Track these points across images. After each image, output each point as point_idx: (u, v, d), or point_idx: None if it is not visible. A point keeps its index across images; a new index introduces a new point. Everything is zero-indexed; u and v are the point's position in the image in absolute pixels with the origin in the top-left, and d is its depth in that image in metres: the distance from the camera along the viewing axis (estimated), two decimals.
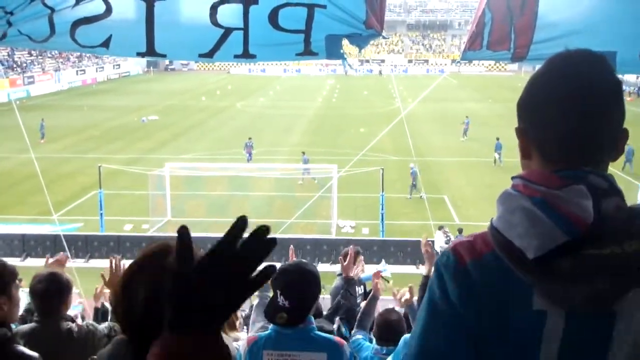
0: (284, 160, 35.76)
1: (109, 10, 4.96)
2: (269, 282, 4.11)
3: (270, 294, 5.07)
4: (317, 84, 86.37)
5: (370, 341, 5.56)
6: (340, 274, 8.55)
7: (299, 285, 3.99)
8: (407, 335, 4.43)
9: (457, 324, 1.60)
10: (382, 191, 24.99)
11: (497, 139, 36.21)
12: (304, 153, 33.72)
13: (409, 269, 20.20)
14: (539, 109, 1.66)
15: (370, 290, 6.59)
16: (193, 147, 41.65)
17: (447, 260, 1.64)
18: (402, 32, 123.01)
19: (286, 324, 3.94)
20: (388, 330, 5.24)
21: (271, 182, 31.69)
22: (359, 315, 6.07)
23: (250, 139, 37.44)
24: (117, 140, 44.42)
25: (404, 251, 22.14)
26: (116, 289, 1.95)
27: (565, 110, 1.61)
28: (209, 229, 23.02)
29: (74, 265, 14.43)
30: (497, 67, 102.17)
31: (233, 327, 6.07)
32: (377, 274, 6.63)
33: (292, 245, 7.65)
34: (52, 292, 4.41)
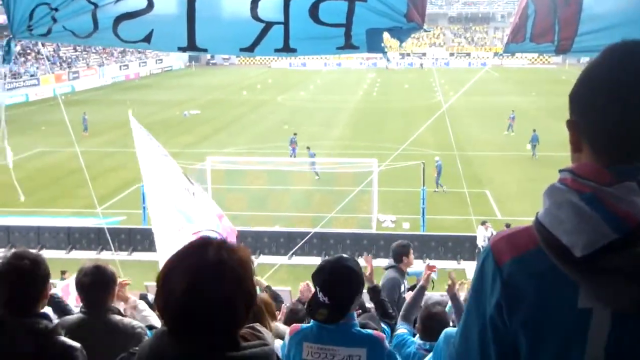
0: (324, 154, 35.73)
1: (150, 5, 5.00)
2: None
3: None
4: (357, 78, 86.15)
5: (414, 335, 5.53)
6: (392, 266, 8.57)
7: (339, 282, 3.97)
8: (448, 330, 4.40)
9: (494, 325, 1.59)
10: (423, 185, 24.87)
11: (534, 130, 36.20)
12: (309, 148, 33.77)
13: (450, 264, 20.09)
14: (593, 100, 1.60)
15: (416, 284, 6.59)
16: (234, 141, 41.88)
17: (486, 259, 1.62)
18: (444, 24, 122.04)
19: (326, 321, 3.95)
20: (432, 324, 5.20)
21: (311, 176, 31.75)
22: (404, 306, 6.05)
23: (295, 134, 37.14)
24: (159, 135, 44.59)
25: (445, 246, 22.01)
26: (157, 282, 1.97)
27: (620, 102, 1.54)
28: (249, 222, 23.16)
29: (117, 258, 14.65)
30: (541, 60, 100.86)
31: (274, 317, 6.10)
32: (430, 267, 6.58)
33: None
34: (98, 284, 4.47)
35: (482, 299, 1.62)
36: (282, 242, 22.39)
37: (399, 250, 8.64)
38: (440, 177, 29.45)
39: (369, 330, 4.08)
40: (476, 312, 1.64)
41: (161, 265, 2.01)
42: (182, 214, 9.28)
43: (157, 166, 9.56)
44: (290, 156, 35.54)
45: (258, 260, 21.25)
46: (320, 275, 4.00)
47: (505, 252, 1.58)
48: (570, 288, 1.49)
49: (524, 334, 1.55)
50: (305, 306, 5.66)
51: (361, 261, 5.04)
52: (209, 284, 1.88)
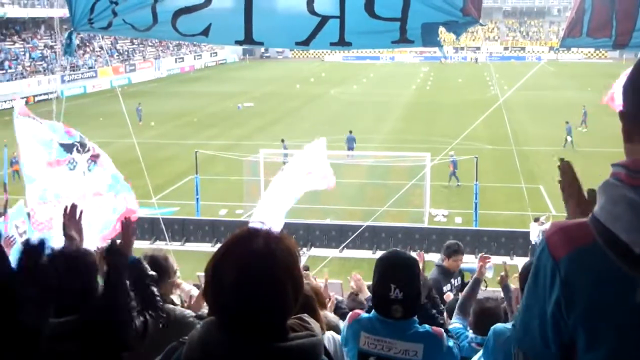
0: (377, 147, 35.61)
1: None
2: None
3: None
4: (411, 72, 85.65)
5: (467, 329, 5.52)
6: (439, 265, 8.61)
7: (411, 277, 3.96)
8: (496, 326, 4.37)
9: (554, 319, 1.58)
10: (476, 180, 24.64)
11: (567, 122, 36.71)
12: (283, 140, 33.96)
13: (504, 259, 19.85)
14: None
15: (468, 282, 6.58)
16: (287, 133, 42.04)
17: (542, 252, 1.61)
18: (499, 19, 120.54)
19: (403, 317, 3.92)
20: (485, 319, 5.17)
21: (363, 169, 31.68)
22: (460, 299, 6.05)
23: (350, 132, 36.22)
24: (213, 127, 45.25)
25: (498, 242, 21.79)
26: (206, 272, 2.00)
27: None
28: (301, 215, 23.23)
29: (170, 248, 14.86)
30: (597, 55, 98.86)
31: (324, 306, 6.12)
32: (484, 258, 6.57)
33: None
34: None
35: (541, 293, 1.61)
36: (333, 235, 22.42)
37: (446, 250, 8.73)
38: (456, 173, 29.28)
39: (427, 326, 4.05)
40: (536, 305, 1.63)
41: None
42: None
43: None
44: (348, 156, 34.06)
45: (309, 252, 21.34)
46: (391, 271, 3.97)
47: (561, 246, 1.57)
48: (628, 284, 1.47)
49: (582, 329, 1.54)
50: (367, 301, 5.68)
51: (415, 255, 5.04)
52: (259, 275, 1.90)
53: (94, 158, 9.19)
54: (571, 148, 35.91)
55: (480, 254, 7.37)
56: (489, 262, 6.56)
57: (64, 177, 8.73)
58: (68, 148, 8.79)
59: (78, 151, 8.99)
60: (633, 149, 1.62)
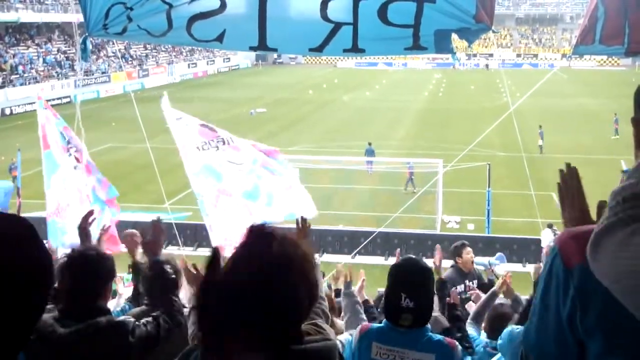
0: (390, 154, 35.60)
1: (223, 5, 5.11)
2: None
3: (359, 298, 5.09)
4: (423, 78, 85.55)
5: (479, 335, 5.55)
6: (453, 266, 8.65)
7: (422, 285, 3.96)
8: (511, 328, 4.37)
9: (567, 328, 1.56)
10: (489, 187, 24.59)
11: (540, 127, 37.04)
12: (370, 144, 33.95)
13: (516, 267, 19.79)
14: None
15: (485, 282, 6.60)
16: (300, 139, 42.08)
17: (554, 260, 1.59)
18: (511, 26, 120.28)
19: (412, 326, 3.91)
20: (500, 324, 5.18)
21: (376, 176, 31.68)
22: (475, 309, 6.06)
23: (370, 144, 34.63)
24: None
25: (510, 249, 21.70)
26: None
27: None
28: (314, 221, 23.24)
29: (183, 253, 14.90)
30: (610, 62, 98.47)
31: (334, 311, 6.12)
32: (509, 277, 6.61)
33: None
34: (162, 277, 4.55)
35: (555, 301, 1.58)
36: (345, 242, 22.39)
37: (453, 250, 8.84)
38: (412, 180, 29.43)
39: (441, 337, 4.03)
40: (550, 312, 1.61)
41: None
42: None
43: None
44: (369, 172, 32.83)
45: (322, 258, 21.33)
46: (401, 278, 3.98)
47: (574, 254, 1.54)
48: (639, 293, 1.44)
49: (596, 337, 1.52)
50: (379, 311, 5.68)
51: (428, 262, 5.03)
52: (276, 278, 1.90)
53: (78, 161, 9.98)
54: (541, 153, 36.78)
55: (507, 272, 7.41)
56: (510, 281, 6.55)
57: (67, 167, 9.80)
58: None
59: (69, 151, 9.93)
60: None
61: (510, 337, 4.22)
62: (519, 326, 4.24)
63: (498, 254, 15.22)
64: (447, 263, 9.09)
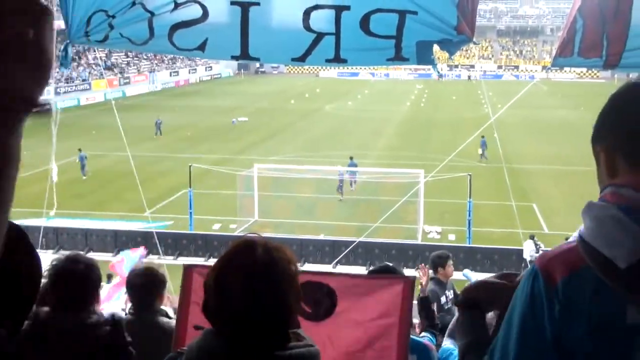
0: (370, 164, 35.68)
1: (205, 14, 5.09)
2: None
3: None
4: (405, 89, 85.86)
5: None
6: (433, 278, 8.63)
7: None
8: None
9: (550, 349, 1.55)
10: (470, 197, 24.69)
11: (482, 136, 36.45)
12: (352, 158, 33.84)
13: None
14: (628, 119, 1.62)
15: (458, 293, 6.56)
16: (281, 148, 42.08)
17: (535, 281, 1.58)
18: (493, 37, 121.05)
19: None
20: None
21: (357, 186, 31.73)
22: (451, 324, 6.05)
23: (351, 158, 33.56)
24: (207, 141, 45.24)
25: (491, 259, 21.82)
26: (208, 285, 2.00)
27: None
28: (295, 230, 23.24)
29: (163, 262, 14.83)
30: (589, 74, 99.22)
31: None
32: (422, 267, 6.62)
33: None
34: (149, 285, 4.56)
35: (540, 323, 1.56)
36: (327, 251, 22.42)
37: (435, 260, 8.75)
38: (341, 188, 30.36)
39: (419, 339, 4.07)
40: (530, 337, 1.58)
41: None
42: None
43: None
44: (352, 185, 32.71)
45: (303, 268, 21.28)
46: None
47: (556, 271, 1.55)
48: (619, 304, 1.46)
49: (583, 348, 1.52)
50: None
51: (409, 272, 5.03)
52: (264, 284, 1.92)
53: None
54: (485, 161, 37.28)
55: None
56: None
57: None
58: None
59: None
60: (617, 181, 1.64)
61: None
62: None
63: (465, 270, 15.34)
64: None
